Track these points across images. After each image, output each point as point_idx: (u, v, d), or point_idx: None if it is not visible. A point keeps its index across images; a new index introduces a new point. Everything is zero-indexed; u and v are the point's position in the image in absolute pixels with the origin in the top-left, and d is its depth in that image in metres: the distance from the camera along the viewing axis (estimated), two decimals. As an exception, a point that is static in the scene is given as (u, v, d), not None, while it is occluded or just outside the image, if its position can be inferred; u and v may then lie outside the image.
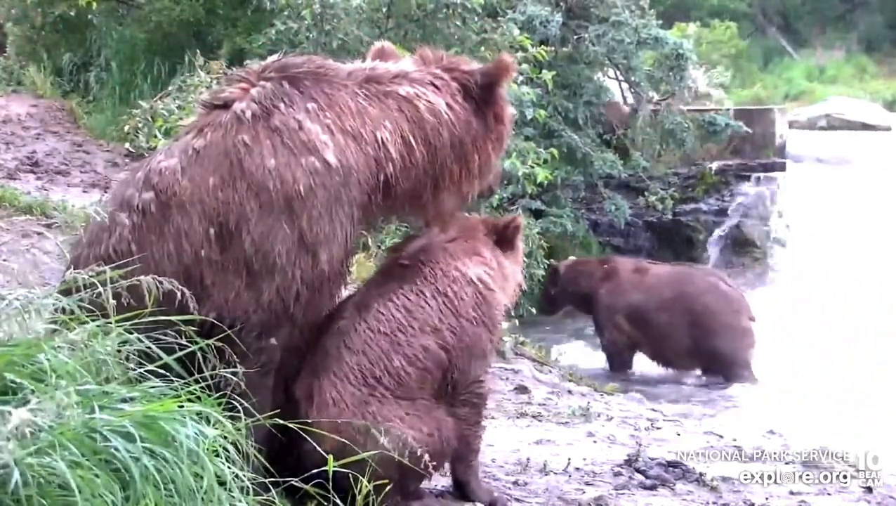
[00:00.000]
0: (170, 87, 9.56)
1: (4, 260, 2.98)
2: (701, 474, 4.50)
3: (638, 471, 4.50)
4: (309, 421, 3.20)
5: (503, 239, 3.75)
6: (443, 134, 3.35)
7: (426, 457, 3.25)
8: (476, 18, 10.10)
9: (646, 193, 14.10)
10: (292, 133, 3.15)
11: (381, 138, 3.25)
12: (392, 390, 3.33)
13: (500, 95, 3.51)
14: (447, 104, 3.38)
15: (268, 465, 2.88)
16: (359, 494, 3.10)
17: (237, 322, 3.05)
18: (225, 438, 2.51)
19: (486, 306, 3.57)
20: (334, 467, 3.03)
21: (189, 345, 2.81)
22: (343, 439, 3.17)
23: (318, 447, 3.12)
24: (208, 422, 2.50)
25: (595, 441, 5.25)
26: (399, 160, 3.28)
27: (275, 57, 3.48)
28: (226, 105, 3.25)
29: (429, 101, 3.35)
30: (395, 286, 3.49)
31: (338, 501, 2.99)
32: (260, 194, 3.10)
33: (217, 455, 2.44)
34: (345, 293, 3.58)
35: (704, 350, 9.55)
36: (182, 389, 2.59)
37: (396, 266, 3.59)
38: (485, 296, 3.57)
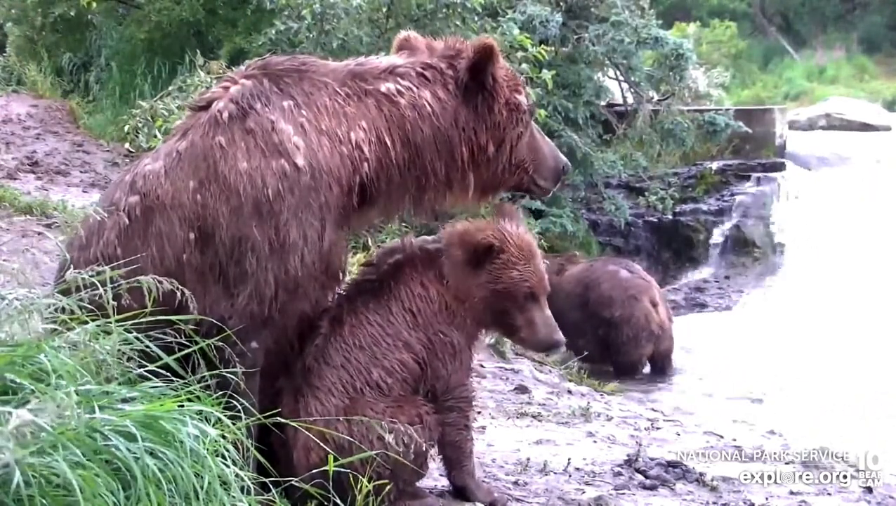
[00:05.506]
0: (170, 87, 9.56)
1: (4, 260, 2.97)
2: (701, 474, 4.50)
3: (638, 471, 4.50)
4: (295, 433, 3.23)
5: (475, 259, 3.54)
6: (424, 129, 3.22)
7: (414, 445, 3.26)
8: (476, 18, 10.10)
9: (646, 193, 14.10)
10: (265, 134, 3.09)
11: (356, 139, 3.15)
12: (375, 398, 3.35)
13: (491, 80, 3.31)
14: (433, 95, 3.25)
15: (268, 465, 2.88)
16: (359, 494, 3.10)
17: (215, 328, 3.00)
18: (224, 437, 2.51)
19: (453, 318, 3.51)
20: (323, 470, 3.05)
21: (187, 345, 2.82)
22: (330, 448, 3.19)
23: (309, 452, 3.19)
24: (208, 421, 2.50)
25: (595, 441, 5.25)
26: (375, 161, 3.19)
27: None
28: (208, 105, 3.21)
29: (412, 95, 3.23)
30: (366, 301, 3.48)
31: (338, 501, 2.99)
32: (231, 198, 3.05)
33: (218, 455, 2.44)
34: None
35: (608, 343, 9.43)
36: (182, 389, 2.60)
37: (367, 281, 3.57)
38: (449, 309, 3.52)
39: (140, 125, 8.99)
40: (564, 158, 3.61)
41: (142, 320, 2.73)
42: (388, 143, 3.20)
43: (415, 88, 3.25)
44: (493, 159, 3.37)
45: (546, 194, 3.72)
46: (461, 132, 3.28)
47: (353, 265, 5.61)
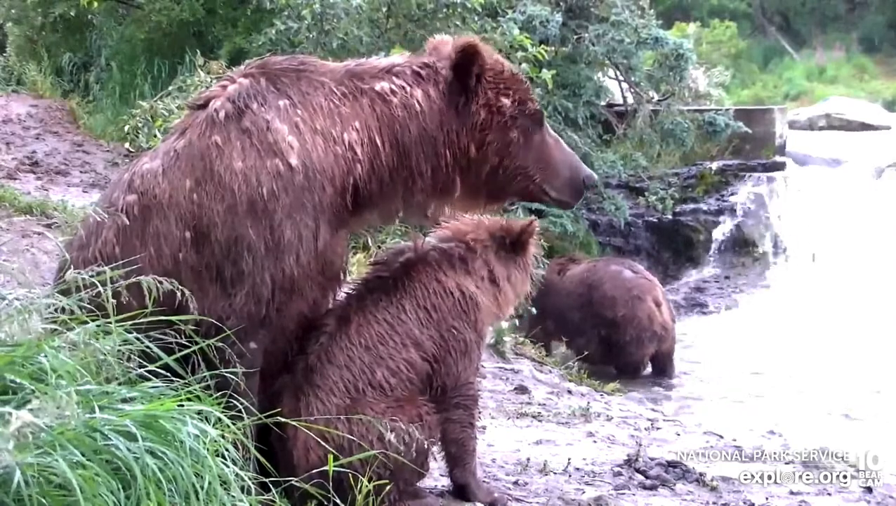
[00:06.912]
0: (170, 87, 9.56)
1: (4, 260, 2.98)
2: (701, 474, 4.50)
3: (638, 471, 4.49)
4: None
5: (516, 244, 3.67)
6: (412, 129, 3.19)
7: (415, 444, 3.26)
8: (476, 18, 10.10)
9: (646, 193, 14.09)
10: (261, 134, 3.08)
11: (350, 140, 3.14)
12: (376, 398, 3.34)
13: (473, 81, 3.24)
14: (424, 94, 3.21)
15: (268, 465, 2.87)
16: (359, 494, 3.10)
17: (214, 328, 2.99)
18: (224, 437, 2.51)
19: (468, 315, 3.53)
20: (323, 470, 3.05)
21: (187, 345, 2.82)
22: (330, 447, 3.19)
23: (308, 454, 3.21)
24: (208, 421, 2.50)
25: (595, 441, 5.25)
26: (367, 162, 3.17)
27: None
28: (206, 104, 3.21)
29: (404, 95, 3.20)
30: (376, 299, 3.48)
31: (338, 501, 2.99)
32: (226, 198, 3.05)
33: (218, 455, 2.44)
34: (344, 292, 3.57)
35: (611, 344, 9.40)
36: (182, 389, 2.60)
37: (377, 278, 3.57)
38: (466, 305, 3.53)
39: (140, 125, 8.99)
40: (587, 170, 3.45)
41: (141, 320, 2.73)
42: (379, 143, 3.19)
43: (408, 87, 3.22)
44: (477, 163, 3.29)
45: (566, 207, 3.73)
46: (445, 134, 3.24)
47: (354, 265, 5.62)
